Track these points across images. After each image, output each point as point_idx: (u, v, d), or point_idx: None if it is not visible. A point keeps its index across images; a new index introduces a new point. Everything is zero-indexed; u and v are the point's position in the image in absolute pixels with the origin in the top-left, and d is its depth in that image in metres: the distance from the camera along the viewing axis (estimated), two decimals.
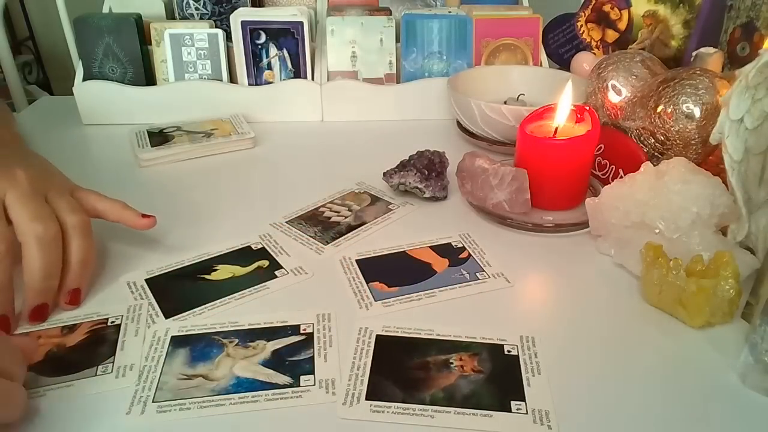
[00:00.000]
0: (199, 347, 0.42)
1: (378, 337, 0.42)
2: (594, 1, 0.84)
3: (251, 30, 0.77)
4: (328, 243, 0.54)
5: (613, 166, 0.59)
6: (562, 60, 0.88)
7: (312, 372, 0.39)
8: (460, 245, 0.53)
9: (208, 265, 0.51)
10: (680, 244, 0.47)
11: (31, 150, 0.56)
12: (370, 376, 0.39)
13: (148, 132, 0.74)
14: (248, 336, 0.43)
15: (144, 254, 0.52)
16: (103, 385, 0.39)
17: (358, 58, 0.80)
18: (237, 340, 0.42)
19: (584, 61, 0.80)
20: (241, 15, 0.77)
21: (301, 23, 0.77)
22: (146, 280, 0.49)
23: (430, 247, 0.53)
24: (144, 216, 0.50)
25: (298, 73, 0.79)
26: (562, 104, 0.56)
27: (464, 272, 0.50)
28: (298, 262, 0.51)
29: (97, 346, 0.42)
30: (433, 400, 0.37)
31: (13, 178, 0.45)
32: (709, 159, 0.57)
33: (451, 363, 0.40)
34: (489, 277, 0.49)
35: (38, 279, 0.43)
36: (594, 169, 0.61)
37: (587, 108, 0.56)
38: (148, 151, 0.69)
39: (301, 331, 0.43)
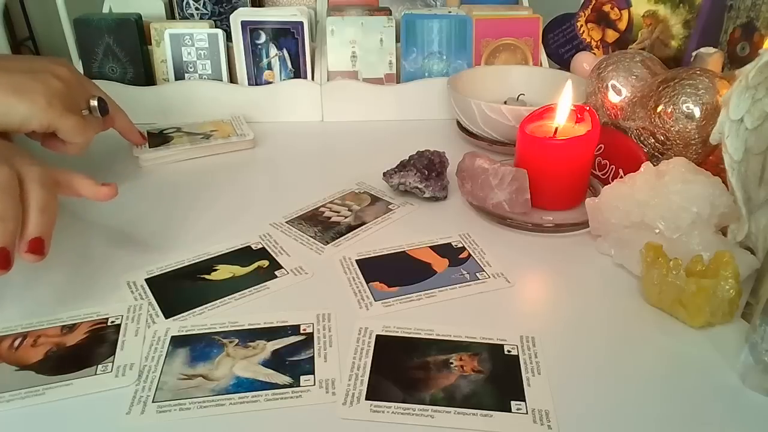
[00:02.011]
0: (199, 347, 0.42)
1: (378, 337, 0.42)
2: (594, 1, 0.84)
3: (251, 30, 0.77)
4: (328, 243, 0.54)
5: (613, 166, 0.59)
6: (562, 60, 0.88)
7: (312, 372, 0.39)
8: (460, 245, 0.53)
9: (208, 265, 0.50)
10: (680, 244, 0.47)
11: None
12: (370, 376, 0.39)
13: (148, 132, 0.74)
14: (248, 336, 0.43)
15: (144, 254, 0.52)
16: (103, 385, 0.39)
17: (358, 58, 0.80)
18: (237, 340, 0.42)
19: (584, 61, 0.80)
20: (241, 15, 0.77)
21: (301, 23, 0.77)
22: (146, 280, 0.49)
23: (430, 247, 0.53)
24: (104, 185, 0.48)
25: (298, 73, 0.79)
26: (562, 104, 0.56)
27: (464, 272, 0.50)
28: (298, 262, 0.51)
29: (97, 346, 0.42)
30: (433, 400, 0.37)
31: None
32: (709, 159, 0.57)
33: (451, 363, 0.40)
34: (489, 277, 0.49)
35: None
36: (594, 169, 0.61)
37: (587, 108, 0.56)
38: (148, 151, 0.69)
39: (301, 331, 0.43)
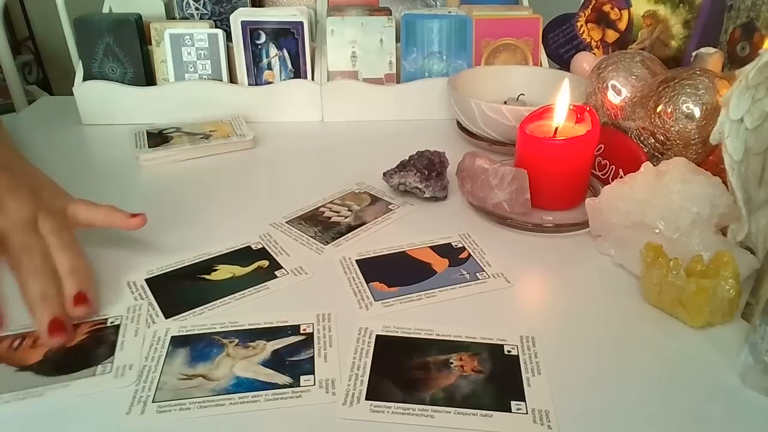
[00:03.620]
0: (199, 347, 0.42)
1: (378, 337, 0.42)
2: (594, 1, 0.84)
3: (251, 30, 0.77)
4: (328, 243, 0.54)
5: (613, 166, 0.59)
6: (562, 60, 0.88)
7: (312, 372, 0.39)
8: (460, 245, 0.53)
9: (208, 265, 0.50)
10: (680, 244, 0.47)
11: (24, 162, 0.55)
12: (370, 376, 0.39)
13: (147, 132, 0.74)
14: (248, 336, 0.43)
15: (144, 254, 0.52)
16: (103, 385, 0.39)
17: (358, 58, 0.80)
18: (237, 340, 0.42)
19: (584, 61, 0.80)
20: (241, 15, 0.77)
21: (301, 23, 0.77)
22: (146, 280, 0.49)
23: (430, 247, 0.53)
24: (133, 216, 0.50)
25: (298, 73, 0.79)
26: (560, 103, 0.56)
27: (464, 272, 0.50)
28: (298, 262, 0.51)
29: (97, 346, 0.42)
30: (433, 400, 0.37)
31: (3, 208, 0.47)
32: (709, 159, 0.57)
33: (451, 363, 0.40)
34: (489, 277, 0.49)
35: (37, 301, 0.43)
36: (594, 169, 0.61)
37: (587, 108, 0.56)
38: (148, 151, 0.69)
39: (301, 331, 0.43)
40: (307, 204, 0.60)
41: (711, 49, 0.65)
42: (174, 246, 0.53)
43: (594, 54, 0.83)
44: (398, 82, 0.81)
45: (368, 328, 0.43)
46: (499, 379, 0.39)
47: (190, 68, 0.78)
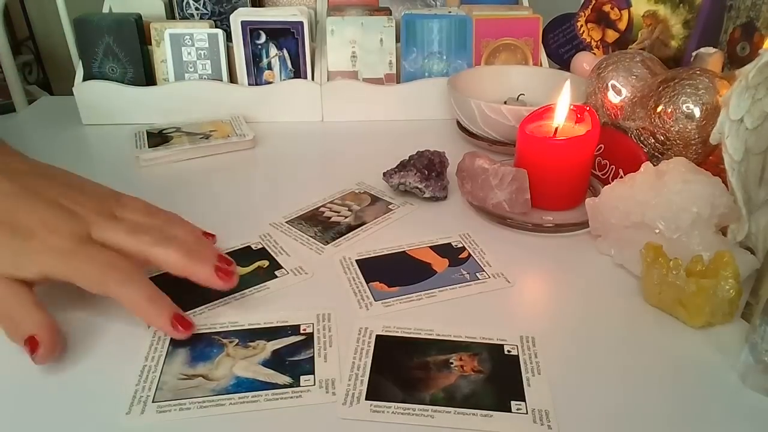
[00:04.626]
0: (199, 347, 0.42)
1: (378, 337, 0.42)
2: (594, 1, 0.84)
3: (251, 30, 0.77)
4: (328, 243, 0.54)
5: (613, 166, 0.59)
6: (562, 60, 0.88)
7: (312, 372, 0.39)
8: (460, 245, 0.53)
9: None
10: (680, 244, 0.47)
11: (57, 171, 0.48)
12: (370, 376, 0.39)
13: (147, 132, 0.74)
14: (248, 336, 0.43)
15: None
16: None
17: (358, 58, 0.80)
18: (237, 340, 0.42)
19: (584, 61, 0.80)
20: (241, 15, 0.77)
21: (301, 23, 0.77)
22: None
23: (430, 247, 0.53)
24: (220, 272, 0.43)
25: (298, 73, 0.79)
26: (561, 104, 0.56)
27: (464, 272, 0.50)
28: (298, 262, 0.51)
29: None
30: (433, 400, 0.37)
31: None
32: (709, 159, 0.57)
33: (451, 363, 0.40)
34: (489, 277, 0.49)
35: (144, 308, 0.41)
36: (594, 169, 0.61)
37: (587, 108, 0.56)
38: (148, 151, 0.69)
39: (301, 331, 0.43)
40: (307, 204, 0.60)
41: (711, 49, 0.65)
42: None
43: (594, 54, 0.83)
44: (398, 82, 0.81)
45: (368, 328, 0.43)
46: (499, 379, 0.39)
47: (190, 68, 0.78)
